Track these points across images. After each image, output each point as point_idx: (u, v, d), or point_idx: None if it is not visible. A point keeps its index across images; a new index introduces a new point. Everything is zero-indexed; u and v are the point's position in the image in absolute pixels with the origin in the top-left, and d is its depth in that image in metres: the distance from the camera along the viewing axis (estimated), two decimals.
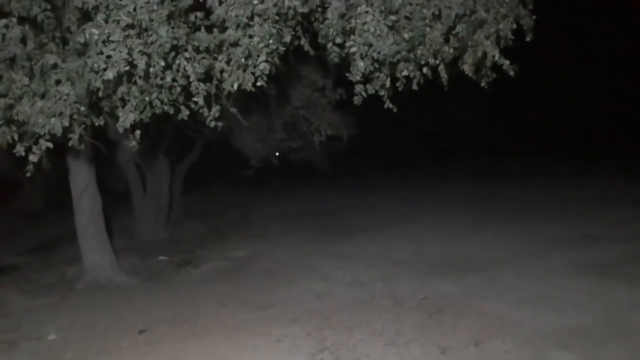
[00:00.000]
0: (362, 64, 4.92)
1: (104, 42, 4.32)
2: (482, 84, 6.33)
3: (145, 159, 11.28)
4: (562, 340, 5.15)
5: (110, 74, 4.22)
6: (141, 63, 4.31)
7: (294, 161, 12.17)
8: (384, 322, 5.83)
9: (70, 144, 5.23)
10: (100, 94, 4.73)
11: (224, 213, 14.02)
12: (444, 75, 5.62)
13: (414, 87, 5.42)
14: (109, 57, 4.24)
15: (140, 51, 4.34)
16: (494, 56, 5.49)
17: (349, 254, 8.88)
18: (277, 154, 10.94)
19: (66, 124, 4.74)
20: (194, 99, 4.99)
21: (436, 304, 6.33)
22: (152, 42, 4.48)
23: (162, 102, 4.93)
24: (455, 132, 20.87)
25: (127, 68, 4.27)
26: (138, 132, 5.78)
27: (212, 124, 5.06)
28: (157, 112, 4.96)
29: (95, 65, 4.22)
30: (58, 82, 4.78)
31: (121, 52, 4.24)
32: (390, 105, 5.71)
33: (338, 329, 5.61)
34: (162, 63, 4.63)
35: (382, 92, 5.51)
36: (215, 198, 15.98)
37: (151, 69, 4.71)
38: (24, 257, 10.28)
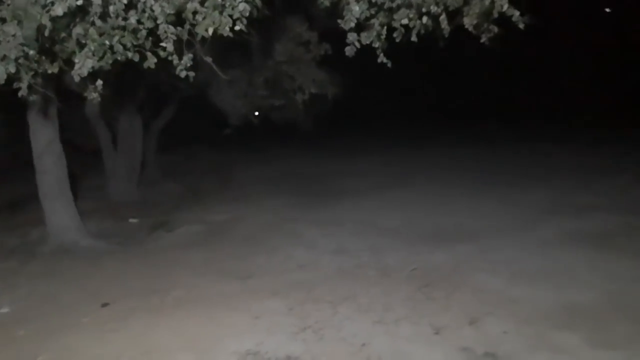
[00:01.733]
0: (357, 8, 4.34)
1: None
2: (483, 40, 5.76)
3: (116, 114, 10.55)
4: (564, 319, 4.76)
5: (59, 9, 3.58)
6: None
7: (276, 120, 11.52)
8: (371, 296, 5.39)
9: (19, 94, 4.60)
10: (49, 34, 4.08)
11: (202, 174, 13.39)
12: (445, 26, 5.05)
13: (413, 38, 4.85)
14: None
15: None
16: (502, 6, 4.91)
17: (334, 220, 8.41)
18: (257, 112, 10.31)
19: (12, 69, 4.09)
20: (162, 44, 4.37)
21: (427, 276, 5.91)
22: None
23: (124, 46, 4.30)
24: (446, 93, 20.26)
25: (80, 3, 3.61)
26: (100, 82, 5.13)
27: (183, 74, 4.45)
28: (119, 58, 4.33)
29: None
30: (2, 20, 4.10)
31: None
32: (385, 60, 5.13)
33: (322, 304, 5.16)
34: (124, 0, 3.98)
35: (376, 44, 4.93)
36: (194, 158, 15.31)
37: (111, 7, 4.07)
38: None
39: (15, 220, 9.14)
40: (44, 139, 7.59)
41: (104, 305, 5.18)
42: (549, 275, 5.85)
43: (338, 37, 5.40)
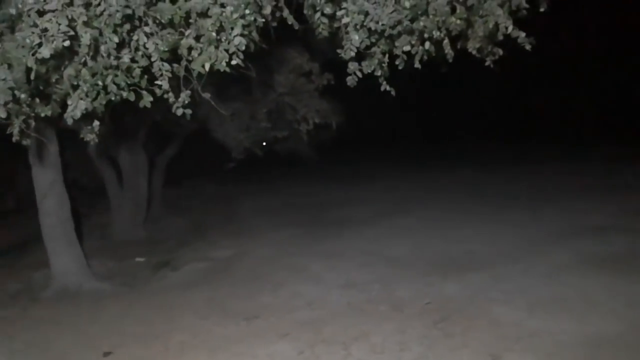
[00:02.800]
0: (356, 36, 4.09)
1: (39, 12, 3.43)
2: (487, 63, 5.53)
3: (121, 152, 10.34)
4: (590, 354, 4.40)
5: (46, 52, 3.33)
6: (85, 37, 3.42)
7: (280, 151, 11.29)
8: (384, 334, 5.04)
9: (13, 139, 4.36)
10: (40, 76, 3.86)
11: (206, 208, 13.11)
12: (448, 50, 4.80)
13: (417, 64, 4.60)
14: (45, 30, 3.34)
15: (84, 22, 3.45)
16: (506, 28, 4.67)
17: (341, 251, 8.08)
18: (264, 143, 10.08)
19: (2, 115, 3.85)
20: (158, 82, 4.13)
21: (441, 310, 5.56)
22: (100, 13, 3.60)
23: (118, 86, 4.04)
24: (447, 117, 20.00)
25: (67, 43, 3.37)
26: (96, 123, 4.90)
27: (180, 111, 4.19)
28: (112, 99, 4.07)
29: (28, 40, 3.32)
30: None
31: (59, 24, 3.35)
32: (388, 88, 4.87)
33: (333, 345, 4.82)
34: (115, 39, 3.75)
35: (378, 72, 4.69)
36: (199, 191, 15.06)
37: (102, 47, 3.84)
38: None
39: (20, 262, 8.85)
40: (46, 181, 7.35)
41: (106, 354, 4.85)
42: (568, 304, 5.49)
43: (340, 66, 5.18)
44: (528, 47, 4.74)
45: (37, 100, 4.36)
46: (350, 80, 4.46)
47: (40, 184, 7.30)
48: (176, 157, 12.68)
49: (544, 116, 19.15)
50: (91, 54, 3.83)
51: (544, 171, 13.84)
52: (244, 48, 3.95)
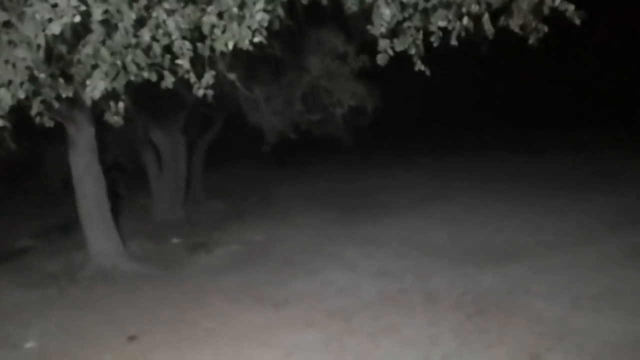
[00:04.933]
0: (387, 11, 3.73)
1: None
2: (531, 41, 5.05)
3: (159, 135, 10.27)
4: None
5: (56, 27, 3.13)
6: (96, 12, 3.19)
7: (317, 136, 10.96)
8: (416, 326, 4.72)
9: (36, 121, 4.24)
10: (59, 55, 3.68)
11: (245, 191, 12.96)
12: (488, 27, 4.38)
13: (453, 41, 4.19)
14: (55, 5, 3.14)
15: None
16: (553, 0, 4.21)
17: (376, 238, 7.76)
18: (299, 128, 9.79)
19: (21, 95, 3.70)
20: (178, 61, 3.88)
21: (477, 302, 5.20)
22: None
23: (138, 66, 3.82)
24: (489, 101, 19.07)
25: (78, 19, 3.16)
26: (121, 104, 4.73)
27: (201, 92, 3.95)
28: (132, 78, 3.86)
29: (37, 15, 3.13)
30: (12, 44, 3.72)
31: None
32: (422, 67, 4.48)
33: (361, 336, 4.54)
34: (132, 15, 3.52)
35: (412, 50, 4.30)
36: (238, 175, 14.90)
37: (120, 24, 3.61)
38: (36, 240, 9.49)
39: (63, 243, 8.92)
40: (83, 163, 7.31)
41: (131, 338, 4.73)
42: (616, 300, 5.04)
43: (375, 48, 4.86)
44: (577, 21, 4.26)
45: (61, 80, 4.19)
46: (381, 59, 4.11)
47: (76, 166, 7.27)
48: (217, 140, 12.56)
49: (600, 100, 17.96)
50: (109, 32, 3.62)
51: (587, 158, 13.01)
52: (266, 24, 3.66)
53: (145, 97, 8.54)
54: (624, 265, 5.91)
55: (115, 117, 4.70)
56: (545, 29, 4.87)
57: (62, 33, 3.20)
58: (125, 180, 11.65)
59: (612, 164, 11.69)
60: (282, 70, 8.37)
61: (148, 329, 4.95)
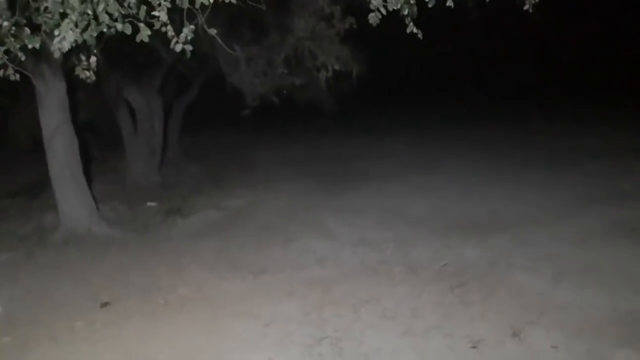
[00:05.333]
0: None
1: None
2: (526, 7, 4.87)
3: (135, 95, 9.87)
4: (622, 333, 3.95)
5: None
6: None
7: (299, 100, 10.67)
8: (397, 298, 4.63)
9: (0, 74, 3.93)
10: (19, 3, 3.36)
11: (223, 156, 12.68)
12: None
13: (449, 2, 3.97)
14: None
15: None
16: None
17: (357, 207, 7.63)
18: (282, 92, 9.48)
19: None
20: (155, 13, 3.60)
21: (459, 274, 5.13)
22: None
23: (111, 16, 3.53)
24: (472, 69, 18.87)
25: None
26: (93, 58, 4.44)
27: (179, 47, 3.66)
28: (104, 30, 3.57)
29: None
30: None
31: None
32: (415, 30, 4.26)
33: (342, 308, 4.43)
34: None
35: (405, 11, 4.07)
36: (217, 139, 14.58)
37: None
38: (5, 200, 9.14)
39: (33, 204, 8.60)
40: (53, 122, 6.95)
41: (103, 305, 4.55)
42: (599, 275, 5.01)
43: (364, 11, 4.61)
44: None
45: (27, 30, 3.86)
46: (373, 18, 3.87)
47: (47, 126, 6.91)
48: (195, 102, 12.19)
49: (577, 74, 17.94)
50: None
51: (571, 132, 13.00)
52: None
53: (119, 52, 8.18)
54: (606, 240, 5.89)
55: (86, 72, 4.42)
56: None
57: None
58: (98, 141, 11.28)
59: (598, 138, 11.68)
60: (265, 30, 8.03)
61: (121, 295, 4.77)
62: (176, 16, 3.98)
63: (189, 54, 3.72)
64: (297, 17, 8.14)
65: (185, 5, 3.80)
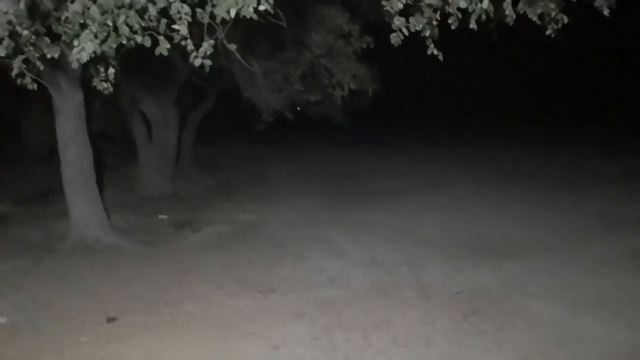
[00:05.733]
0: None
1: None
2: (548, 32, 4.76)
3: (151, 105, 9.85)
4: None
5: None
6: None
7: (313, 116, 10.61)
8: (409, 324, 4.48)
9: (18, 82, 3.87)
10: (46, 11, 3.31)
11: (236, 168, 12.62)
12: (509, 11, 4.07)
13: (472, 25, 3.88)
14: None
15: None
16: None
17: (368, 225, 7.50)
18: (297, 108, 9.42)
19: (1, 53, 3.34)
20: (175, 26, 3.53)
21: (473, 301, 4.97)
22: None
23: (131, 28, 3.47)
24: (485, 92, 18.79)
25: None
26: (112, 70, 4.39)
27: (198, 62, 3.60)
28: (124, 42, 3.51)
29: None
30: None
31: None
32: (435, 51, 4.17)
33: (352, 332, 4.29)
34: None
35: (426, 32, 3.98)
36: (230, 151, 14.54)
37: None
38: (18, 206, 9.09)
39: (45, 211, 8.53)
40: (70, 129, 6.92)
41: (110, 320, 4.43)
42: (616, 306, 4.83)
43: (381, 30, 4.54)
44: (606, 12, 3.97)
45: (46, 39, 3.81)
46: (395, 39, 3.78)
47: (63, 133, 6.88)
48: (210, 115, 12.17)
49: (597, 98, 17.77)
50: None
51: (582, 154, 12.81)
52: None
53: (137, 63, 8.16)
54: (621, 269, 5.72)
55: (104, 83, 4.37)
56: (565, 19, 4.59)
57: None
58: (112, 150, 11.26)
59: (614, 162, 11.50)
60: (282, 46, 7.99)
61: (128, 309, 4.66)
62: (196, 30, 3.93)
63: (208, 69, 3.65)
64: (314, 33, 8.10)
65: (206, 20, 3.74)
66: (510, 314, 4.67)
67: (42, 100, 9.12)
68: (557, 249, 6.43)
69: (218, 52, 4.19)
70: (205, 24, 3.80)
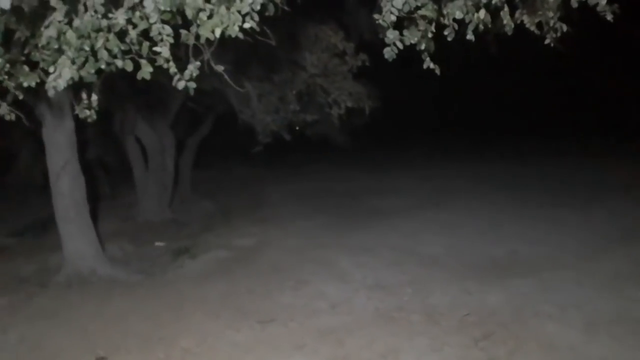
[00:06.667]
0: None
1: None
2: (547, 41, 4.59)
3: (146, 131, 9.68)
4: None
5: (5, 2, 2.58)
6: None
7: (311, 136, 10.42)
8: (417, 351, 4.21)
9: None
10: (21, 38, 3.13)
11: (236, 192, 12.40)
12: (507, 21, 3.89)
13: (469, 35, 3.68)
14: None
15: None
16: None
17: (371, 246, 7.24)
18: (295, 128, 9.23)
19: None
20: (156, 48, 3.34)
21: (482, 324, 4.69)
22: None
23: (110, 52, 3.27)
24: (486, 107, 18.65)
25: None
26: (95, 97, 4.18)
27: (181, 84, 3.39)
28: (103, 67, 3.31)
29: None
30: None
31: None
32: (432, 65, 3.97)
33: None
34: None
35: (421, 45, 3.79)
36: (228, 174, 14.36)
37: (88, 2, 3.08)
38: (11, 239, 8.89)
39: (39, 244, 8.32)
40: (60, 161, 6.71)
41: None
42: (633, 324, 4.56)
43: (376, 48, 4.36)
44: (610, 17, 3.78)
45: (24, 67, 3.62)
46: (389, 53, 3.57)
47: (53, 163, 6.67)
48: (208, 138, 12.00)
49: (592, 108, 17.60)
50: (75, 11, 3.08)
51: (589, 166, 12.57)
52: (259, 7, 3.15)
53: (129, 89, 8.00)
54: (636, 284, 5.45)
55: (86, 111, 4.16)
56: (565, 28, 4.41)
57: (17, 9, 2.64)
58: (109, 178, 11.07)
59: (619, 173, 11.25)
60: (276, 66, 7.84)
61: (119, 347, 4.40)
62: (182, 52, 3.74)
63: (192, 91, 3.45)
64: (309, 52, 7.95)
65: (191, 41, 3.55)
66: (522, 337, 4.40)
67: (35, 128, 9.00)
68: (566, 265, 6.16)
69: (208, 75, 4.01)
70: (191, 45, 3.62)
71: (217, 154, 14.93)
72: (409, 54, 3.87)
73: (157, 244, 8.15)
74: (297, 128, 9.29)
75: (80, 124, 7.12)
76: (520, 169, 12.78)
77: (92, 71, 3.32)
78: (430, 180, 11.94)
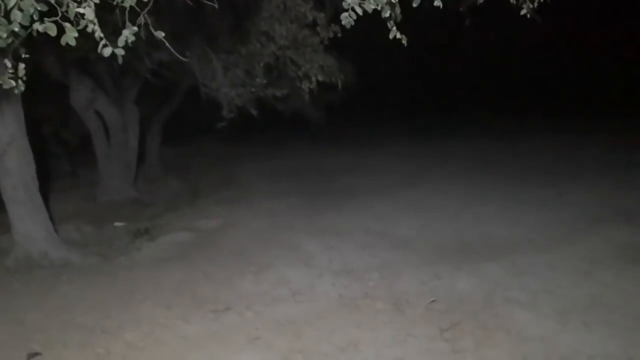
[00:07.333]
0: None
1: None
2: (523, 12, 4.29)
3: (107, 106, 9.15)
4: None
5: None
6: None
7: (283, 111, 10.01)
8: (379, 344, 3.94)
9: None
10: None
11: (205, 169, 11.95)
12: None
13: (437, 2, 3.32)
14: None
15: None
16: None
17: (341, 227, 6.95)
18: (265, 102, 8.80)
19: None
20: (80, 9, 2.92)
21: (450, 312, 4.45)
22: None
23: (22, 11, 2.85)
24: (461, 82, 18.32)
25: None
26: (22, 65, 3.73)
27: (107, 51, 2.98)
28: (16, 30, 2.88)
29: None
30: None
31: None
32: (398, 35, 3.61)
33: (313, 358, 3.72)
34: None
35: (386, 12, 3.42)
36: (200, 151, 13.87)
37: None
38: None
39: None
40: (6, 135, 6.22)
41: (31, 356, 3.81)
42: (609, 312, 4.34)
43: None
44: None
45: None
46: (346, 19, 3.19)
47: None
48: (177, 113, 11.48)
49: (567, 86, 17.43)
50: None
51: (565, 144, 12.37)
52: None
53: (88, 61, 7.49)
54: (613, 268, 5.23)
55: (12, 81, 3.71)
56: None
57: None
58: (71, 155, 10.55)
59: (599, 151, 11.08)
60: (243, 38, 7.38)
61: (57, 340, 4.04)
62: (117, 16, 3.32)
63: (120, 59, 3.04)
64: (277, 23, 7.52)
65: (128, 3, 3.13)
66: (491, 326, 4.15)
67: None
68: (542, 248, 5.93)
69: (162, 44, 3.59)
70: (128, 8, 3.20)
71: (189, 131, 14.42)
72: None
73: (117, 224, 7.75)
74: (265, 102, 8.86)
75: (33, 97, 6.66)
76: (496, 148, 12.47)
77: (4, 35, 2.89)
78: (406, 159, 11.62)
